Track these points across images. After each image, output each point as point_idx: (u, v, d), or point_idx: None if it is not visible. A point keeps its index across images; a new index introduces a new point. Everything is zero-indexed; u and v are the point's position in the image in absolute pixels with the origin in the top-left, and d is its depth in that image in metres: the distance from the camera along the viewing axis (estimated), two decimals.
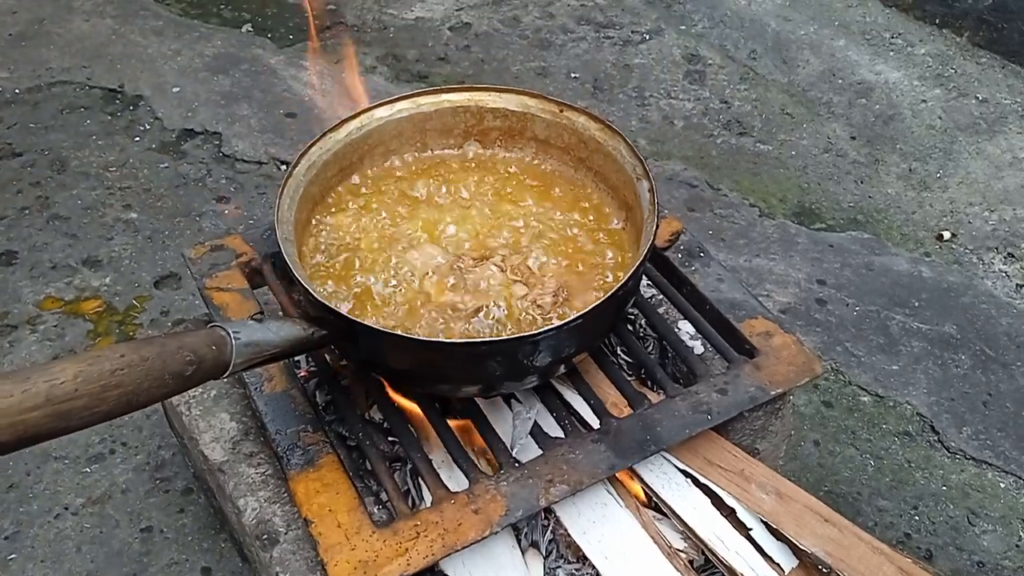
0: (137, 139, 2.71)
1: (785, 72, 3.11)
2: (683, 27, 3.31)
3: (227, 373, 1.07)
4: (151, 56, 3.05)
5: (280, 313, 1.54)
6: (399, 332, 1.28)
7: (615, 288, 1.25)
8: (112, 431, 1.91)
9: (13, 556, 1.71)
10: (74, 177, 2.57)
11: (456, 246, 1.45)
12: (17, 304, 2.19)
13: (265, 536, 1.32)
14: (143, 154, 2.66)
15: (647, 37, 3.26)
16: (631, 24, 3.32)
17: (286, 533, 1.32)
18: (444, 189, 1.56)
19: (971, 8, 3.19)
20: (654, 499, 1.43)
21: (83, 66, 2.99)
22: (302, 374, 1.55)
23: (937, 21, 3.28)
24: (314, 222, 1.49)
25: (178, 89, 2.91)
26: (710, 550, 1.38)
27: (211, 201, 2.51)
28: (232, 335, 1.07)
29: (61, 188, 2.53)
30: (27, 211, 2.45)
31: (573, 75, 3.08)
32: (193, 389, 1.53)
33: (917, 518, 1.85)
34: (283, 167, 2.63)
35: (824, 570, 1.40)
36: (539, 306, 1.35)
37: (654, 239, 1.32)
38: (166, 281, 2.28)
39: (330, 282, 1.40)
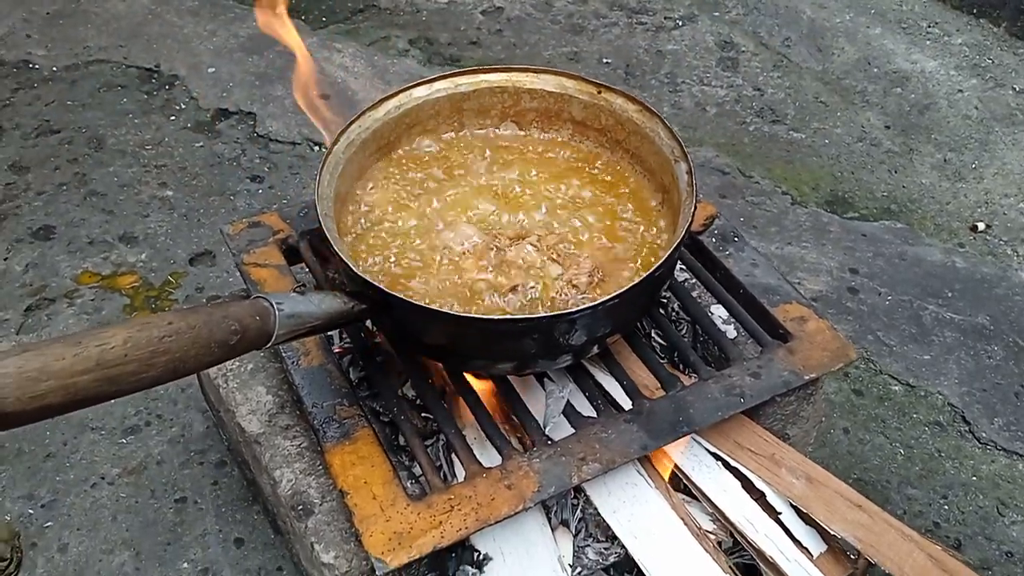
0: (173, 118, 2.74)
1: (819, 60, 3.09)
2: (717, 13, 3.29)
3: (270, 343, 1.09)
4: (187, 36, 3.08)
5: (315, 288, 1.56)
6: (437, 307, 1.29)
7: (653, 268, 1.25)
8: (148, 404, 1.94)
9: (49, 524, 1.74)
10: (111, 154, 2.60)
11: (493, 225, 1.46)
12: (55, 278, 2.23)
13: (300, 507, 1.34)
14: (178, 133, 2.69)
15: (680, 23, 3.25)
16: (664, 10, 3.31)
17: (321, 504, 1.34)
18: (480, 169, 1.57)
19: None
20: (684, 481, 1.44)
21: (120, 45, 3.02)
22: (337, 350, 1.57)
23: (974, 11, 3.23)
24: (352, 199, 1.51)
25: (213, 69, 2.94)
26: (739, 533, 1.39)
27: (245, 180, 2.54)
28: (276, 306, 1.08)
29: (98, 165, 2.56)
30: (65, 187, 2.49)
31: (605, 60, 3.08)
32: (230, 362, 1.56)
33: (946, 507, 1.84)
34: (316, 148, 2.65)
35: (853, 556, 1.40)
36: (575, 286, 1.36)
37: (692, 221, 1.32)
38: (201, 258, 2.30)
39: (368, 258, 1.42)
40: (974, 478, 1.89)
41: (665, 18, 3.27)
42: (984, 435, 1.97)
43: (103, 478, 1.82)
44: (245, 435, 1.48)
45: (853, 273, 2.34)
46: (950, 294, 2.29)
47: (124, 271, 2.25)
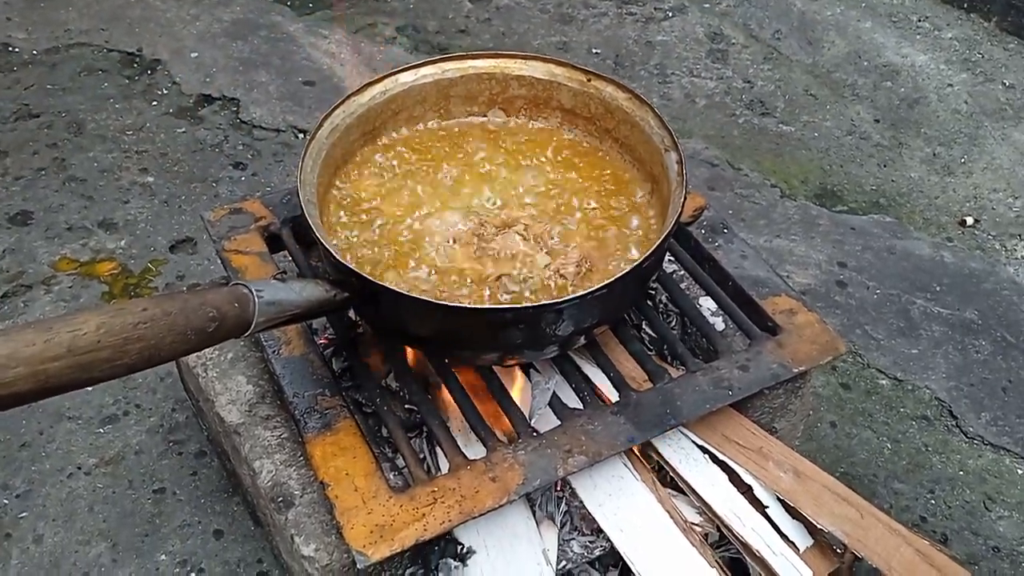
0: (154, 103, 2.70)
1: (810, 53, 3.07)
2: (707, 5, 3.27)
3: (249, 332, 1.06)
4: (170, 20, 3.03)
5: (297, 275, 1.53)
6: (421, 296, 1.26)
7: (641, 259, 1.23)
8: (126, 393, 1.91)
9: (24, 514, 1.71)
10: (91, 139, 2.55)
11: (479, 213, 1.44)
12: (32, 264, 2.18)
13: (280, 499, 1.31)
14: (160, 118, 2.65)
15: (670, 14, 3.22)
16: (654, 1, 3.28)
17: (301, 496, 1.31)
18: (467, 157, 1.55)
19: None
20: (671, 474, 1.42)
21: (101, 28, 2.97)
22: (321, 341, 1.54)
23: (965, 5, 3.23)
24: (335, 186, 1.48)
25: (196, 54, 2.89)
26: (726, 526, 1.37)
27: (228, 167, 2.50)
28: (255, 293, 1.05)
29: (78, 150, 2.52)
30: (43, 172, 2.44)
31: (594, 51, 3.05)
32: (209, 351, 1.53)
33: (933, 502, 1.83)
34: (301, 135, 2.61)
35: (839, 550, 1.39)
36: (562, 275, 1.33)
37: (681, 211, 1.30)
38: (182, 246, 2.27)
39: (351, 246, 1.39)
40: (961, 472, 1.89)
41: (655, 9, 3.25)
42: (971, 430, 1.96)
43: (80, 468, 1.79)
44: (225, 425, 1.45)
45: (841, 266, 2.33)
46: (938, 288, 2.28)
47: (103, 258, 2.22)
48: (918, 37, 3.13)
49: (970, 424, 1.97)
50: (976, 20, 3.19)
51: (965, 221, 2.49)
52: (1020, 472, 1.89)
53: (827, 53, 3.07)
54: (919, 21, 3.20)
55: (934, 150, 2.71)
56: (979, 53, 3.05)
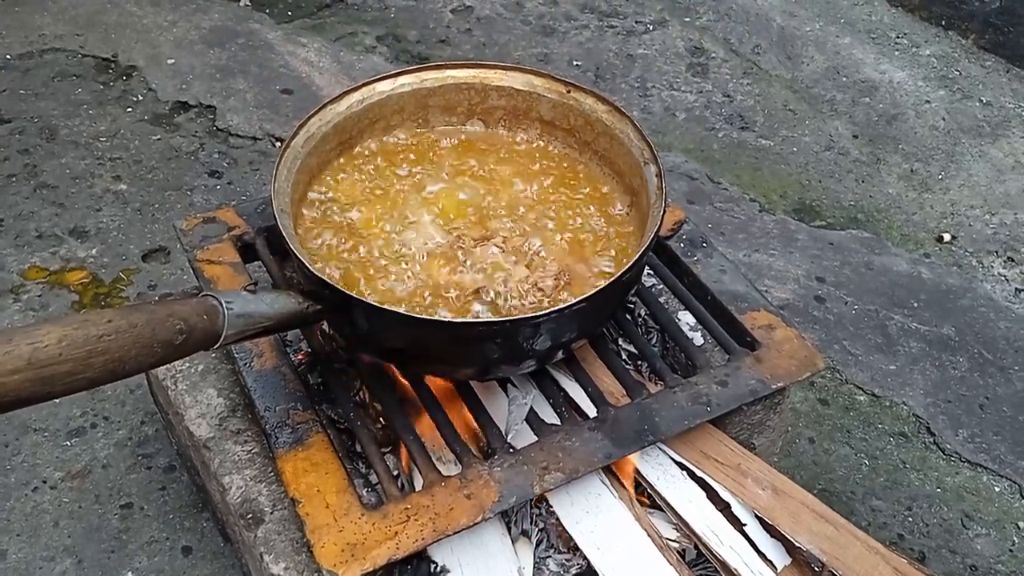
0: (129, 110, 2.66)
1: (789, 68, 3.08)
2: (687, 19, 3.28)
3: (218, 344, 1.04)
4: (146, 26, 2.99)
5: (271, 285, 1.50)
6: (396, 309, 1.24)
7: (620, 272, 1.21)
8: (94, 405, 1.87)
9: None
10: (63, 146, 2.51)
11: (456, 225, 1.42)
12: (0, 272, 2.14)
13: (250, 515, 1.28)
14: (135, 125, 2.61)
15: (651, 28, 3.23)
16: (635, 14, 3.29)
17: (272, 513, 1.28)
18: (445, 168, 1.53)
19: (978, 11, 3.16)
20: (648, 491, 1.41)
21: (76, 34, 2.93)
22: (299, 357, 1.51)
23: (943, 22, 3.25)
24: (311, 196, 1.45)
25: (173, 61, 2.86)
26: (703, 544, 1.35)
27: (203, 175, 2.47)
28: (224, 305, 1.03)
29: (50, 156, 2.48)
30: (14, 178, 2.40)
31: (575, 63, 3.05)
32: (180, 363, 1.50)
33: (911, 519, 1.83)
34: (278, 143, 2.59)
35: (817, 568, 1.37)
36: (540, 289, 1.32)
37: (660, 225, 1.29)
38: (154, 255, 2.23)
39: (325, 257, 1.37)
40: (938, 490, 1.88)
41: (636, 22, 3.25)
42: (949, 446, 1.96)
43: (45, 482, 1.74)
44: (194, 439, 1.42)
45: (820, 282, 2.33)
46: (916, 304, 2.28)
47: (73, 267, 2.17)
48: (896, 53, 3.15)
49: (948, 441, 1.97)
50: (954, 37, 3.22)
51: (942, 237, 2.50)
52: (997, 489, 1.89)
53: (806, 68, 3.08)
54: (897, 38, 3.22)
55: (912, 166, 2.72)
56: (956, 70, 3.07)
